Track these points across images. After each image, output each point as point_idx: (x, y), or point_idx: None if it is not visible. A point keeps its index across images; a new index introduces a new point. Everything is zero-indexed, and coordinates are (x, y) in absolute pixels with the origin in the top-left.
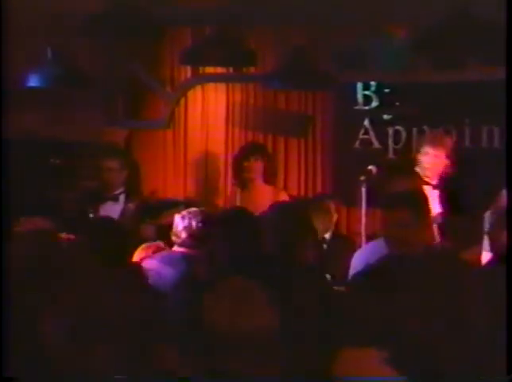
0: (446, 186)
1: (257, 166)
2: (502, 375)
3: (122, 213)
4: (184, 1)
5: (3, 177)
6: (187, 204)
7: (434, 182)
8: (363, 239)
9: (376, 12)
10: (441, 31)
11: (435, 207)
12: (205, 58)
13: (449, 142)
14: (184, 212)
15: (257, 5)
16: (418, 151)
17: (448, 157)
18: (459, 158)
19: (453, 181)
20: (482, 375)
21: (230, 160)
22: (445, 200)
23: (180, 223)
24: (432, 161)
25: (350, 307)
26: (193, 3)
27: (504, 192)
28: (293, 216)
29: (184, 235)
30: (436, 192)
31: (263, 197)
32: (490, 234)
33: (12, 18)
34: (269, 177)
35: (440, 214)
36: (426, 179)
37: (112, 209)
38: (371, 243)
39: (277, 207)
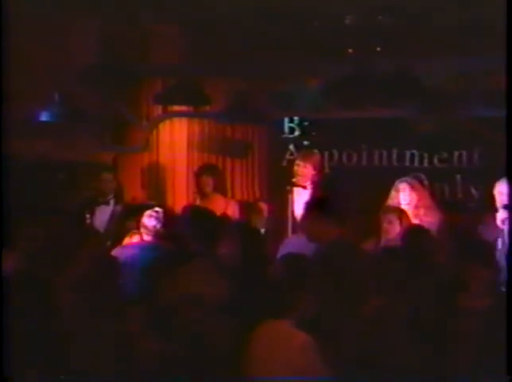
0: (314, 189)
1: (208, 182)
2: (502, 375)
3: (112, 213)
4: (156, 58)
5: (20, 189)
6: (158, 207)
7: (305, 185)
8: (289, 233)
9: (299, 67)
10: (345, 82)
11: (302, 203)
12: (172, 100)
13: (317, 157)
14: (150, 212)
15: (210, 60)
16: (294, 164)
17: (315, 168)
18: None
19: (319, 185)
20: (482, 375)
21: (191, 175)
22: (313, 198)
23: (149, 220)
24: (301, 170)
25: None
26: (163, 60)
27: (396, 195)
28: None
29: (153, 229)
30: (307, 192)
31: (216, 203)
32: (384, 228)
33: (23, 71)
34: (219, 189)
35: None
36: (300, 183)
37: (104, 211)
38: (292, 237)
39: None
